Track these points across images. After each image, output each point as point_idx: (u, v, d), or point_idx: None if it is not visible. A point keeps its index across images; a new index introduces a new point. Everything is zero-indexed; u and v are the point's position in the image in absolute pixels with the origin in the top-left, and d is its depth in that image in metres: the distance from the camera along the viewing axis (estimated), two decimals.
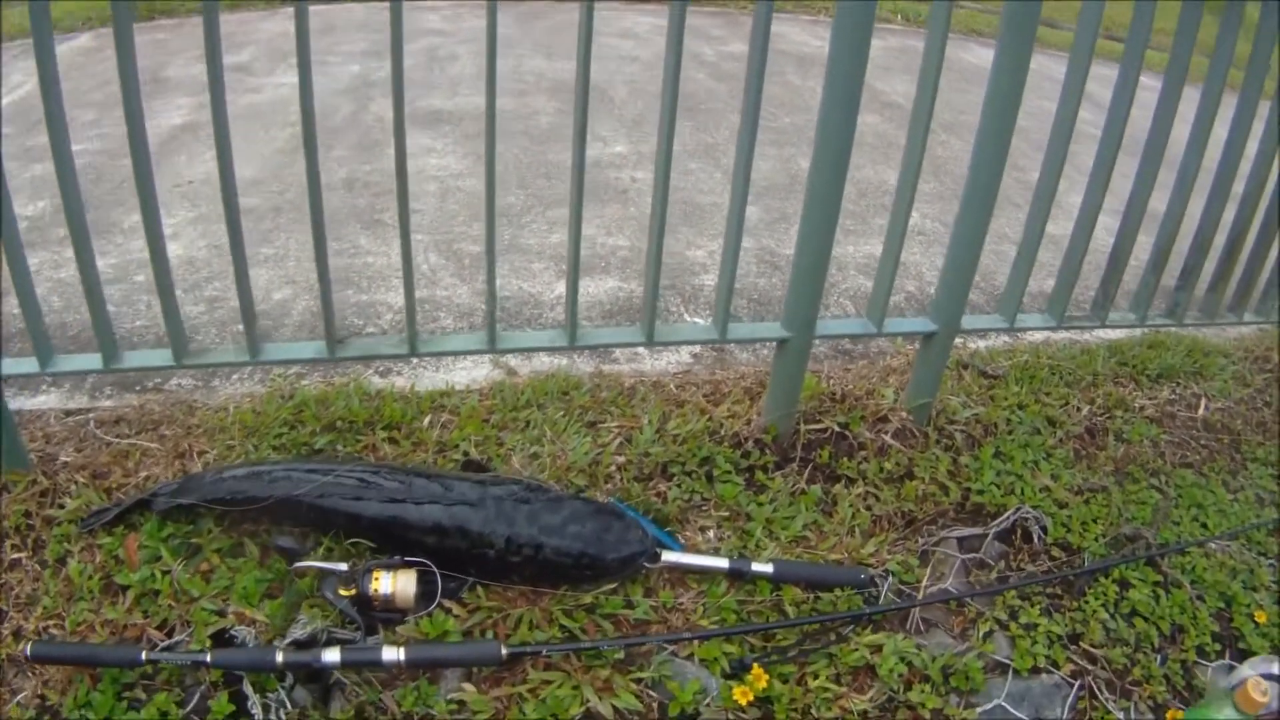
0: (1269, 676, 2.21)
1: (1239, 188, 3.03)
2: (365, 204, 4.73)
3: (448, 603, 2.19)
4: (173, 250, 3.95)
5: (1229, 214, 3.11)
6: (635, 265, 4.24)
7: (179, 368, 2.38)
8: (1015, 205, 5.20)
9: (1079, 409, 3.31)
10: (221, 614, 2.12)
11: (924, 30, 2.41)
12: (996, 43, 2.42)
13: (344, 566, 2.15)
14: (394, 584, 2.10)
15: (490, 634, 2.15)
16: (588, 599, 2.25)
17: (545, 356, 3.32)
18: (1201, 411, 3.52)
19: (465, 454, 2.65)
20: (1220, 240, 3.17)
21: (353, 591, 2.09)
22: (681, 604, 2.31)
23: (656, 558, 2.32)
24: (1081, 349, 3.78)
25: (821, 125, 2.35)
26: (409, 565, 2.16)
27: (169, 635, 2.09)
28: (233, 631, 2.10)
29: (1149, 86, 2.61)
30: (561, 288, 3.78)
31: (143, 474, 2.51)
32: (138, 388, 3.08)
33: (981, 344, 3.80)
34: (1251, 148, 2.96)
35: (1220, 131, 2.85)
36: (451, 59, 7.54)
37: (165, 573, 2.19)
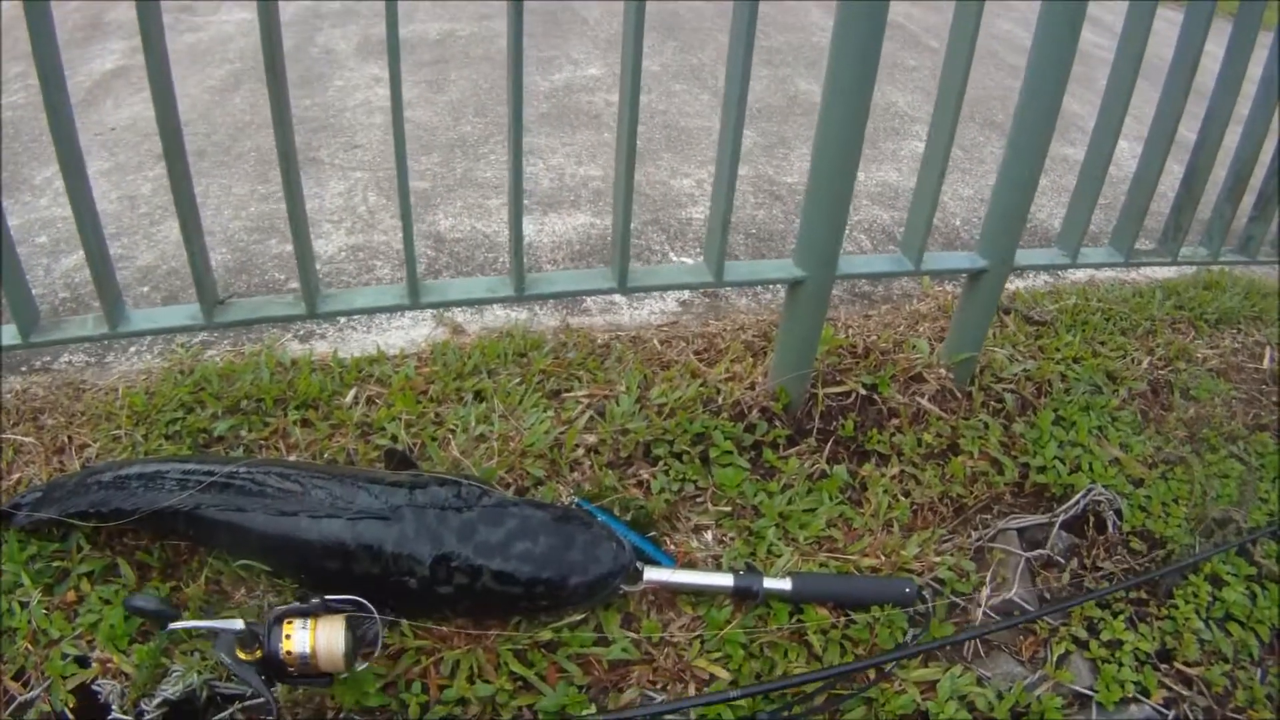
0: None
1: None
2: (301, 142, 4.19)
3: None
4: None
5: None
6: (610, 197, 3.67)
7: (24, 347, 1.87)
8: (1059, 138, 4.69)
9: (1139, 361, 2.82)
10: (84, 662, 1.68)
11: None
12: None
13: (239, 624, 1.57)
14: (313, 638, 1.55)
15: (417, 686, 1.65)
16: (547, 634, 1.74)
17: (499, 310, 2.77)
18: (1267, 363, 3.09)
19: (393, 439, 2.12)
20: None
21: (257, 654, 1.54)
22: (672, 636, 1.79)
23: (637, 576, 1.79)
24: (1133, 290, 3.31)
25: (837, 36, 1.88)
26: (334, 609, 1.61)
27: (27, 686, 1.67)
28: (96, 686, 1.65)
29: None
30: (523, 227, 3.27)
31: (15, 475, 2.04)
32: (23, 368, 2.59)
33: (1020, 284, 3.30)
34: None
35: None
36: None
37: (24, 605, 1.75)
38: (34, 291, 2.87)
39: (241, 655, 1.54)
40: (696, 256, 3.26)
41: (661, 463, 2.12)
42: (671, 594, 1.84)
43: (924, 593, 1.93)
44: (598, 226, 3.44)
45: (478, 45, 5.54)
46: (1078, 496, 2.23)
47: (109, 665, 1.66)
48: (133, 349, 2.65)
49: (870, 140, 4.55)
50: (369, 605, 1.61)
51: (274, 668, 1.55)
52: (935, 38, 6.38)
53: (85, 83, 4.85)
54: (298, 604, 1.61)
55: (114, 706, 1.62)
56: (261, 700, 1.59)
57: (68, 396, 2.31)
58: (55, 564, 1.81)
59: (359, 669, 1.62)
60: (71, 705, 1.63)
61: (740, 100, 1.87)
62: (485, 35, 5.72)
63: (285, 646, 1.53)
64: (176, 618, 1.61)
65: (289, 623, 1.55)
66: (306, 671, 1.56)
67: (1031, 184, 2.21)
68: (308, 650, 1.54)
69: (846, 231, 3.57)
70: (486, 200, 3.63)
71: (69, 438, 2.15)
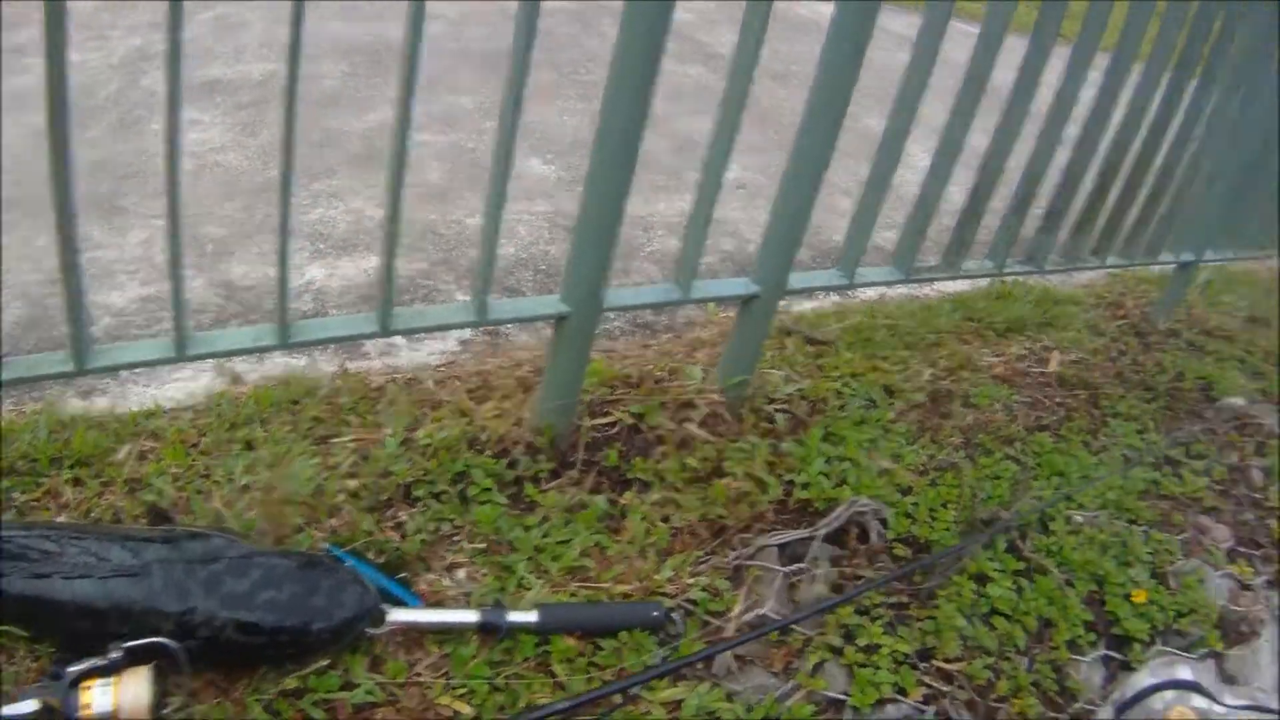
0: (1180, 685, 2.06)
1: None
2: (108, 190, 4.15)
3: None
4: None
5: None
6: (404, 239, 3.66)
7: None
8: (847, 155, 4.74)
9: (920, 373, 2.90)
10: None
11: None
12: None
13: (30, 706, 1.50)
14: (116, 697, 1.50)
15: None
16: (293, 682, 1.72)
17: (280, 357, 2.76)
18: (1053, 366, 3.19)
19: (159, 493, 2.09)
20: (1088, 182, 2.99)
21: None
22: (418, 676, 1.79)
23: (382, 618, 1.80)
24: (922, 305, 3.40)
25: (616, 60, 1.94)
26: (136, 658, 1.57)
27: None
28: None
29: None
30: (313, 271, 3.26)
31: None
32: None
33: (808, 305, 3.36)
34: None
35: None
36: (241, 26, 6.93)
37: None
38: None
39: None
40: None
41: (420, 503, 2.13)
42: (419, 634, 1.85)
43: (674, 614, 1.95)
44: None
45: (302, 86, 5.46)
46: (840, 509, 2.26)
47: None
48: None
49: (676, 172, 4.66)
50: (172, 645, 1.60)
51: None
52: (763, 69, 6.44)
53: None
54: (97, 661, 1.55)
55: None
56: None
57: None
58: None
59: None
60: None
61: (510, 134, 1.92)
62: (309, 75, 5.65)
63: (85, 710, 1.48)
64: None
65: (85, 688, 1.50)
66: None
67: (807, 207, 2.28)
68: (109, 709, 1.49)
69: (638, 262, 3.64)
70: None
71: None
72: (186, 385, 2.66)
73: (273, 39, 6.39)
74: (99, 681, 1.52)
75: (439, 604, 1.92)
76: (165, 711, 1.58)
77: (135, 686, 1.52)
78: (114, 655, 1.55)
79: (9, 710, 1.49)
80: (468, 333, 3.00)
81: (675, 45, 7.30)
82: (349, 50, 6.25)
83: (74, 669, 1.53)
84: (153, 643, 1.59)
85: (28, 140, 4.54)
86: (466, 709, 1.73)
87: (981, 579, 2.25)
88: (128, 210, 3.91)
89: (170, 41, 1.54)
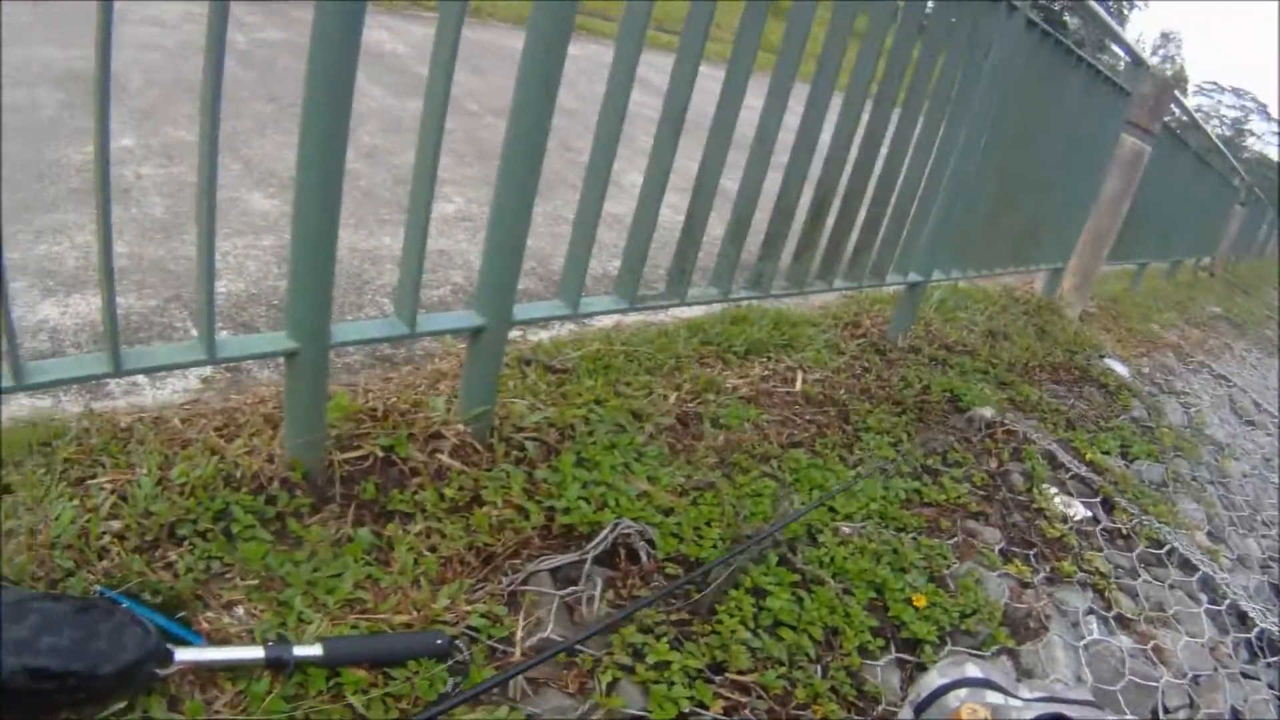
0: (972, 683, 2.11)
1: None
2: None
3: None
4: None
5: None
6: (134, 275, 3.57)
7: None
8: (572, 187, 4.94)
9: (666, 397, 2.95)
10: None
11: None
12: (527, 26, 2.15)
13: None
14: None
15: None
16: None
17: (25, 400, 2.63)
18: (799, 385, 3.30)
19: None
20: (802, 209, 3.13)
21: None
22: (218, 713, 1.74)
23: (169, 658, 1.73)
24: (658, 331, 3.47)
25: (308, 99, 1.90)
26: None
27: None
28: None
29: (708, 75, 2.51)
30: (46, 309, 3.09)
31: None
32: None
33: (545, 335, 3.40)
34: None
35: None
36: None
37: None
38: None
39: None
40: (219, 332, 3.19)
41: (187, 542, 2.05)
42: (210, 672, 1.79)
43: (457, 642, 1.95)
44: (122, 305, 3.30)
45: (15, 114, 5.14)
46: (605, 531, 2.30)
47: None
48: None
49: (400, 205, 4.65)
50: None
51: None
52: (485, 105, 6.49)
53: None
54: None
55: None
56: None
57: None
58: None
59: None
60: None
61: (210, 180, 1.86)
62: (19, 106, 5.33)
63: None
64: None
65: None
66: None
67: (520, 238, 2.31)
68: None
69: (370, 295, 3.65)
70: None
71: None
72: None
73: None
74: None
75: (223, 641, 1.86)
76: None
77: None
78: None
79: None
80: (208, 371, 2.91)
81: (395, 79, 7.32)
82: (64, 77, 5.99)
83: None
84: None
85: None
86: None
87: (759, 593, 2.31)
88: None
89: None
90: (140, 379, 2.81)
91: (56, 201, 4.07)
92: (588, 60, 6.77)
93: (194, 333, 3.15)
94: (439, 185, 4.42)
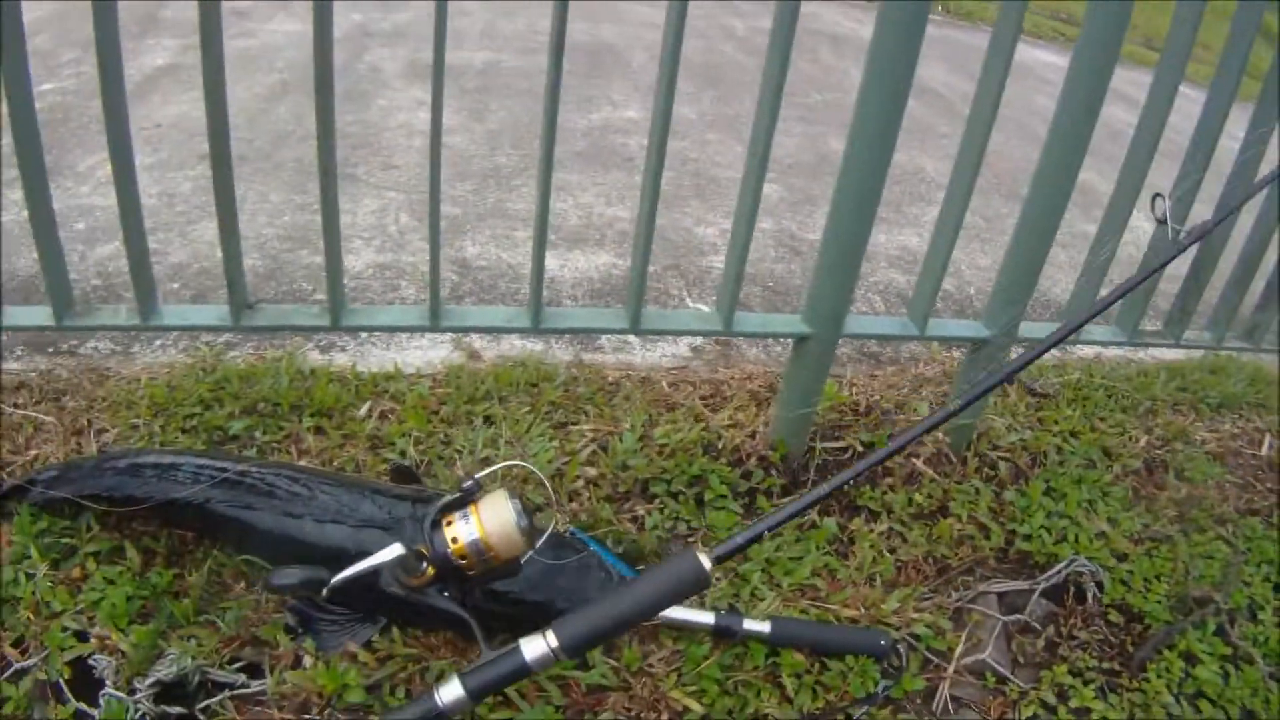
0: None
1: None
2: (340, 157, 4.22)
3: (354, 647, 1.71)
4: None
5: None
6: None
7: (57, 329, 1.95)
8: (1084, 215, 4.83)
9: (1136, 439, 2.84)
10: (83, 636, 1.69)
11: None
12: (1077, 41, 2.06)
13: (397, 549, 1.49)
14: (481, 524, 1.49)
15: (401, 690, 1.68)
16: None
17: (516, 340, 2.83)
18: (1265, 450, 3.09)
19: (401, 454, 2.17)
20: None
21: (429, 574, 1.51)
22: (651, 667, 1.82)
23: None
24: (1138, 369, 3.33)
25: (863, 94, 1.93)
26: (489, 483, 1.57)
27: (25, 654, 1.67)
28: (92, 661, 1.66)
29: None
30: (546, 261, 3.32)
31: (32, 452, 2.08)
32: (50, 349, 2.66)
33: None
34: None
35: None
36: (460, 13, 7.11)
37: (30, 576, 1.77)
38: (69, 277, 2.99)
39: (412, 581, 1.49)
40: (713, 303, 3.28)
41: (657, 500, 2.17)
42: (654, 627, 1.87)
43: (899, 646, 1.95)
44: (619, 267, 3.49)
45: (522, 78, 5.60)
46: (1060, 566, 2.24)
47: (107, 642, 1.68)
48: (158, 342, 2.72)
49: (896, 205, 4.65)
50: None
51: (454, 579, 1.50)
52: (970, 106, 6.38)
53: (135, 77, 4.94)
54: (449, 495, 1.54)
55: (108, 682, 1.64)
56: (255, 690, 1.64)
57: (91, 381, 2.36)
58: (64, 540, 1.84)
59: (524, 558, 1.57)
60: (66, 677, 1.64)
61: (764, 152, 1.93)
62: (529, 69, 5.78)
63: (454, 548, 1.48)
64: (327, 577, 1.51)
65: (447, 522, 1.50)
66: (488, 566, 1.52)
67: (1040, 257, 2.25)
68: (479, 536, 1.48)
69: (861, 292, 3.64)
70: (514, 231, 3.69)
71: (89, 421, 2.20)
72: (425, 354, 2.74)
73: (492, 29, 6.53)
74: (458, 514, 1.52)
75: None
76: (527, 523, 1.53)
77: (496, 510, 1.50)
78: (467, 484, 1.54)
79: (376, 559, 1.50)
80: (699, 340, 3.03)
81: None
82: (567, 49, 6.33)
83: (430, 510, 1.54)
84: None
85: (255, 102, 4.74)
86: (697, 706, 1.76)
87: (1190, 658, 2.19)
88: (359, 179, 4.02)
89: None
90: (632, 339, 2.95)
91: (562, 161, 4.33)
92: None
93: (688, 301, 3.28)
94: (938, 191, 4.43)
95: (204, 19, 1.60)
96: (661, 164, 1.92)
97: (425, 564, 1.49)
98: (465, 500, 1.51)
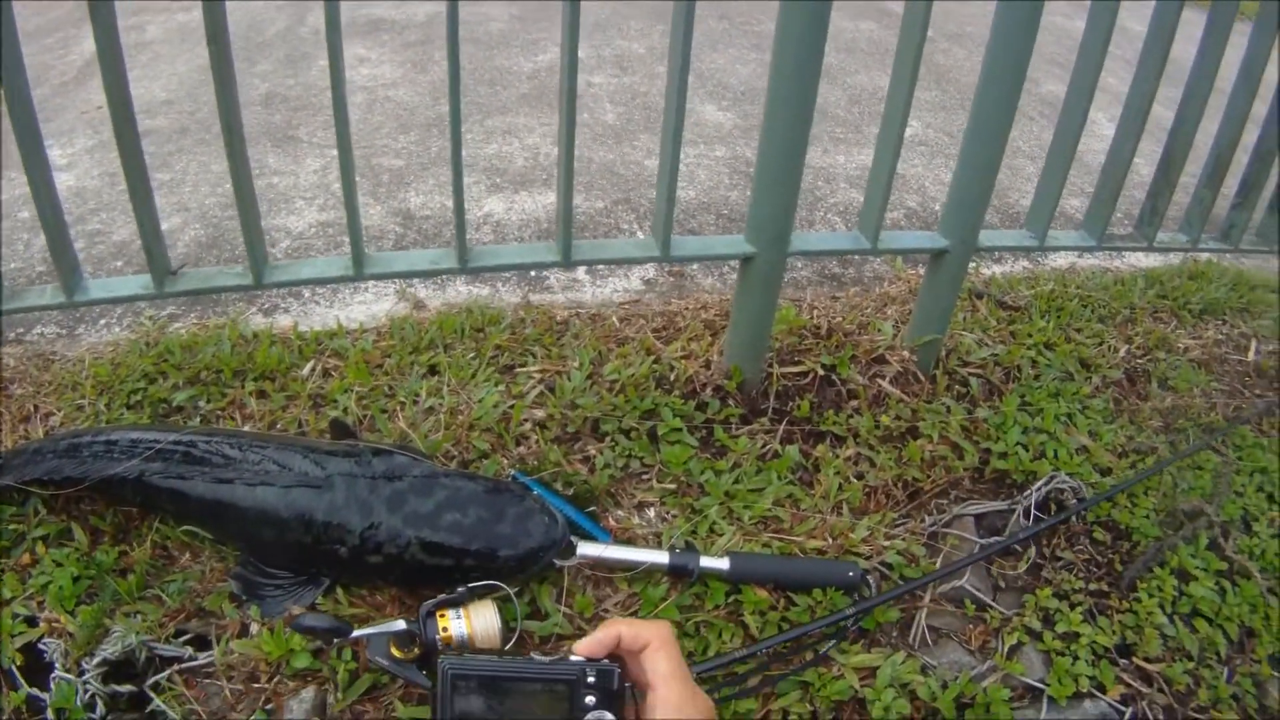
0: None
1: None
2: (281, 120, 4.22)
3: (297, 609, 1.66)
4: (64, 181, 3.55)
5: None
6: (583, 177, 3.68)
7: None
8: (1029, 119, 4.79)
9: (1116, 349, 2.75)
10: (33, 622, 1.67)
11: None
12: None
13: (400, 625, 1.56)
14: (470, 624, 1.55)
15: (348, 653, 1.62)
16: None
17: (462, 286, 2.72)
18: (1252, 355, 3.01)
19: (344, 411, 2.08)
20: None
21: (414, 653, 1.53)
22: (606, 611, 1.73)
23: (571, 551, 1.74)
24: (1115, 278, 3.25)
25: (784, 15, 1.85)
26: (479, 594, 1.62)
27: None
28: (41, 645, 1.64)
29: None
30: (492, 204, 3.22)
31: None
32: None
33: (997, 270, 3.24)
34: None
35: None
36: None
37: None
38: (12, 265, 3.01)
39: (397, 654, 1.53)
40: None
41: (609, 439, 2.07)
42: (608, 570, 1.79)
43: (869, 577, 1.86)
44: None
45: (465, 27, 5.45)
46: (1040, 483, 2.14)
47: (56, 625, 1.64)
48: (102, 321, 2.67)
49: (855, 125, 4.58)
50: (507, 588, 1.63)
51: (433, 658, 1.54)
52: (937, 28, 6.34)
53: (77, 62, 4.87)
54: (446, 595, 1.59)
55: (57, 665, 1.60)
56: (203, 663, 1.61)
57: (37, 367, 2.31)
58: (13, 527, 1.79)
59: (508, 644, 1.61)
60: (19, 663, 1.61)
61: (683, 67, 1.81)
62: (472, 19, 5.70)
63: (443, 637, 1.53)
64: (350, 630, 1.56)
65: (442, 614, 1.56)
66: None
67: (993, 163, 2.13)
68: (465, 635, 1.54)
69: (821, 213, 3.55)
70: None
71: (35, 406, 2.14)
72: (369, 308, 2.65)
73: None
74: (452, 612, 1.56)
75: (629, 542, 1.86)
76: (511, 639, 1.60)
77: (484, 617, 1.56)
78: (460, 591, 1.58)
79: (383, 628, 1.55)
80: (651, 273, 2.94)
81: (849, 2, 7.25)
82: None
83: (429, 602, 1.57)
84: (486, 585, 1.62)
85: (196, 74, 4.66)
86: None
87: (1183, 575, 2.10)
88: (301, 140, 3.94)
89: None
90: (581, 275, 2.87)
91: (508, 105, 4.23)
92: None
93: (640, 235, 3.18)
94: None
95: None
96: (574, 84, 1.81)
97: (415, 645, 1.53)
98: (458, 601, 1.57)
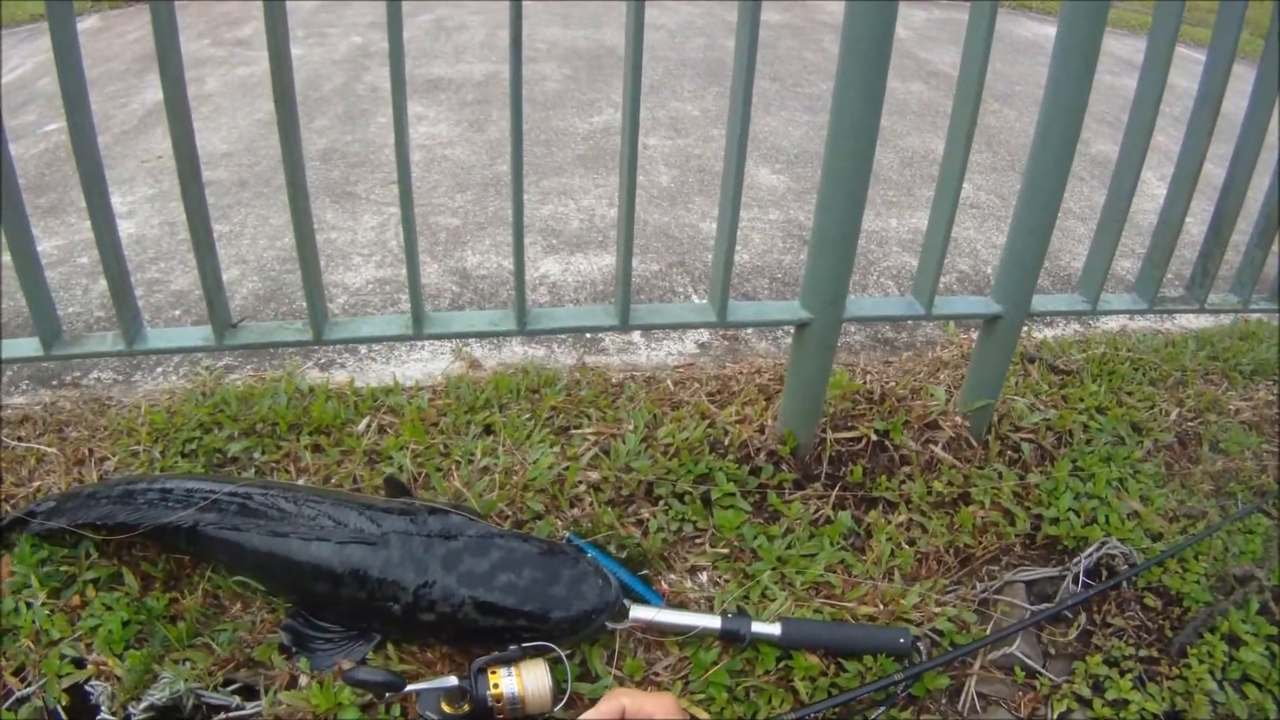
0: None
1: None
2: (339, 175, 4.29)
3: (347, 663, 1.67)
4: (125, 228, 3.63)
5: None
6: (638, 240, 3.67)
7: (46, 359, 1.92)
8: (1079, 179, 4.77)
9: (1167, 412, 2.74)
10: (80, 664, 1.69)
11: (968, 2, 1.92)
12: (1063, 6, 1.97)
13: (452, 680, 1.59)
14: (521, 683, 1.57)
15: (397, 709, 1.64)
16: None
17: (518, 347, 2.77)
18: None
19: (399, 468, 2.12)
20: None
21: (464, 709, 1.56)
22: (656, 675, 1.74)
23: (624, 614, 1.75)
24: (1165, 340, 3.23)
25: (844, 58, 1.86)
26: (531, 653, 1.65)
27: (25, 683, 1.68)
28: (89, 687, 1.66)
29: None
30: (548, 265, 3.27)
31: (35, 484, 2.10)
32: (54, 382, 2.69)
33: (1049, 333, 3.24)
34: None
35: None
36: (460, 29, 7.18)
37: (30, 605, 1.78)
38: (71, 310, 3.07)
39: (447, 709, 1.55)
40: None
41: (662, 502, 2.09)
42: (659, 633, 1.80)
43: (919, 644, 1.86)
44: None
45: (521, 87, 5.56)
46: (1091, 549, 2.14)
47: (103, 668, 1.67)
48: (159, 369, 2.73)
49: (907, 188, 4.60)
50: (558, 649, 1.65)
51: (482, 715, 1.56)
52: (986, 89, 6.35)
53: (139, 111, 5.01)
54: (498, 653, 1.62)
55: (103, 707, 1.63)
56: (250, 712, 1.62)
57: (93, 411, 2.36)
58: (64, 569, 1.84)
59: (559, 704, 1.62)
60: (64, 704, 1.64)
61: (742, 135, 1.84)
62: (528, 78, 5.75)
63: (493, 694, 1.55)
64: (403, 684, 1.58)
65: (493, 671, 1.58)
66: (514, 716, 1.58)
67: (1047, 227, 2.14)
68: (517, 693, 1.56)
69: (875, 277, 3.57)
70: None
71: (90, 450, 2.19)
72: (425, 366, 2.70)
73: (493, 41, 6.53)
74: (504, 670, 1.58)
75: (681, 606, 1.87)
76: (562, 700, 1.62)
77: (537, 676, 1.58)
78: (513, 649, 1.63)
79: (436, 683, 1.58)
80: (705, 336, 2.97)
81: (896, 61, 7.25)
82: (567, 54, 6.33)
83: (481, 659, 1.60)
84: (538, 645, 1.65)
85: (256, 128, 4.73)
86: (705, 715, 1.68)
87: (1234, 641, 2.07)
88: (359, 197, 4.00)
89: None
90: (636, 338, 2.89)
91: (563, 166, 4.28)
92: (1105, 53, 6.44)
93: (695, 298, 3.21)
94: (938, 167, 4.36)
95: (158, 33, 1.57)
96: (635, 150, 1.88)
97: (466, 701, 1.57)
98: (510, 659, 1.61)
